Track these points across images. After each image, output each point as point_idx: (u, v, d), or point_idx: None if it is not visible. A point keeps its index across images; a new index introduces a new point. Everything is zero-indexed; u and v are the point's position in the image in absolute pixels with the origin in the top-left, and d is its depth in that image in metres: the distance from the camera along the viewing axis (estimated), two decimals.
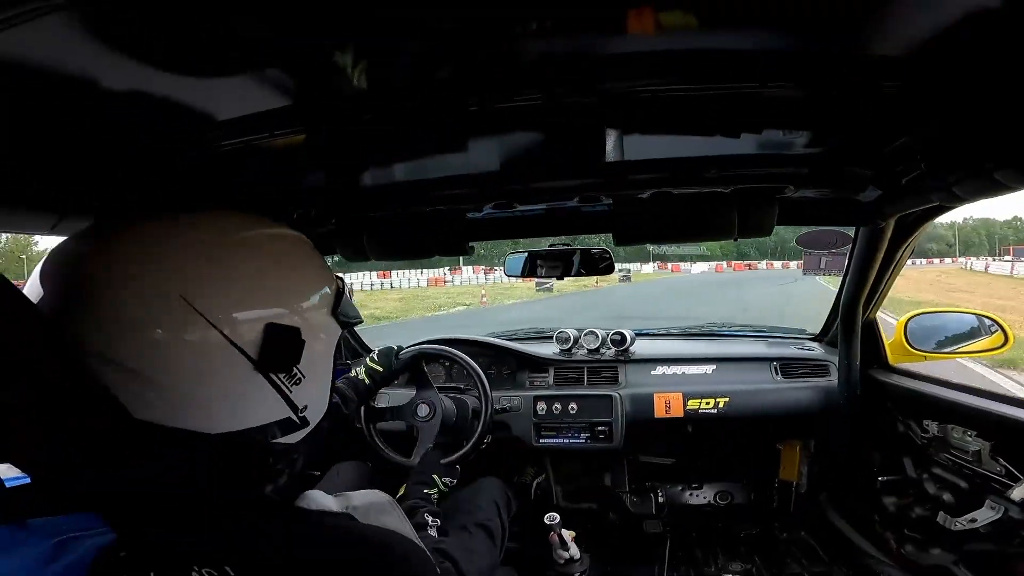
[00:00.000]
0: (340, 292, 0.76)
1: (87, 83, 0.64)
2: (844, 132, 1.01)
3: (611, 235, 1.38)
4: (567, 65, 0.72)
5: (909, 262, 1.76)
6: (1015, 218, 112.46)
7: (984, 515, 1.29)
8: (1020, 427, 1.22)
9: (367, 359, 1.67)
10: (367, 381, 1.62)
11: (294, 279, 0.69)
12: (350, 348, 2.41)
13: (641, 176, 1.21)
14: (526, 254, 1.80)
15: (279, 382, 0.65)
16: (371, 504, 0.72)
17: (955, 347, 1.78)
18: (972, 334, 1.79)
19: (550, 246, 1.77)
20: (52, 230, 0.96)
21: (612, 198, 1.35)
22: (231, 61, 0.66)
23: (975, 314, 1.82)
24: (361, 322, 0.85)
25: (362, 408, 1.79)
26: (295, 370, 0.66)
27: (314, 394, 0.71)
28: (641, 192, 1.28)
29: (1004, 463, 1.26)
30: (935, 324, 1.80)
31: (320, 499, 0.69)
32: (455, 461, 1.69)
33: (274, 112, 0.80)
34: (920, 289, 21.19)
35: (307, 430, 0.71)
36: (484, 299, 20.94)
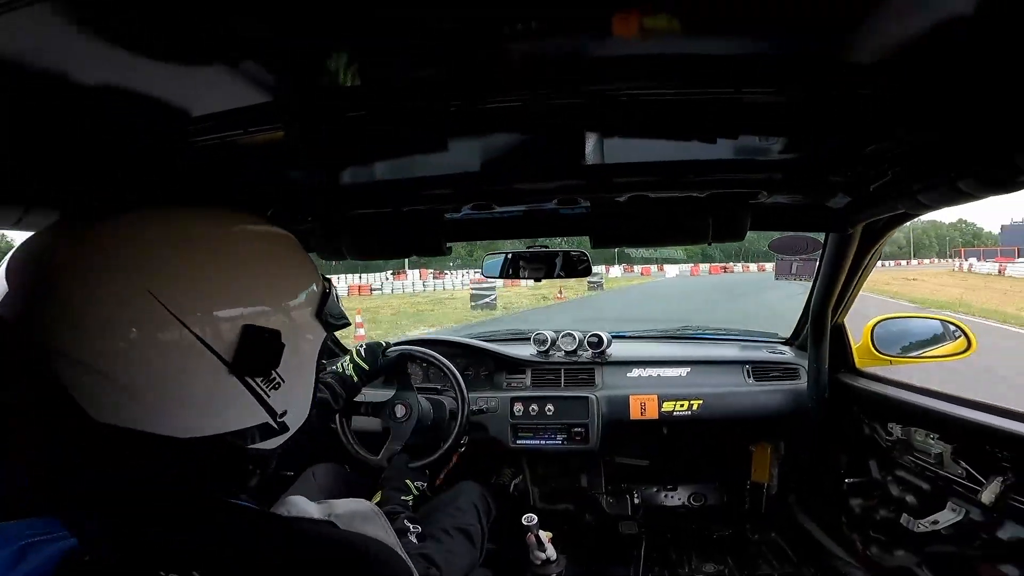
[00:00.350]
0: (326, 293, 0.74)
1: (58, 74, 0.62)
2: (816, 139, 1.03)
3: (588, 238, 1.40)
4: (550, 66, 0.72)
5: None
6: (960, 220, 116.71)
7: (946, 517, 1.33)
8: (981, 430, 1.25)
9: (353, 353, 1.65)
10: (355, 378, 1.59)
11: (275, 278, 0.67)
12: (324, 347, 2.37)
13: (619, 179, 1.22)
14: (505, 255, 1.80)
15: (256, 386, 0.63)
16: (354, 512, 0.71)
17: (920, 352, 1.83)
18: (937, 340, 1.84)
19: (528, 248, 1.77)
20: (17, 224, 0.93)
21: (590, 201, 1.36)
22: (206, 54, 0.64)
23: (940, 320, 1.87)
24: (348, 324, 0.83)
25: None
26: (274, 374, 0.64)
27: (295, 399, 0.69)
28: (619, 195, 1.29)
29: (965, 466, 1.29)
30: (901, 329, 1.85)
31: (302, 505, 0.68)
32: (430, 463, 1.69)
33: (252, 108, 0.78)
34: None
35: (286, 436, 0.69)
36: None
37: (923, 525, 1.38)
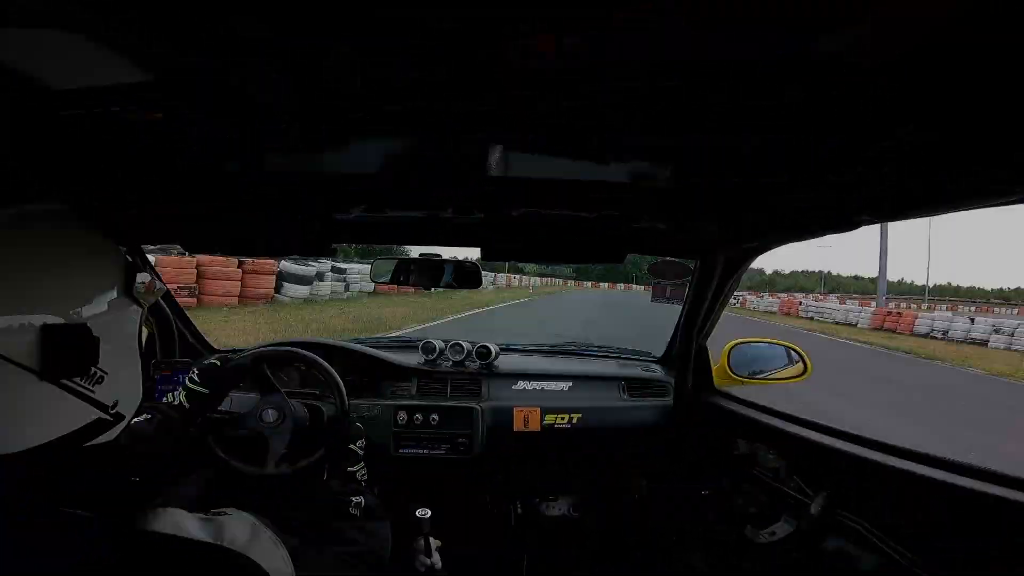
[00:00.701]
0: (134, 266, 0.70)
1: None
2: (691, 168, 1.08)
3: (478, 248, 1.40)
4: (454, 72, 0.71)
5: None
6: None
7: (782, 528, 1.45)
8: (811, 447, 1.38)
9: (186, 379, 1.44)
10: (186, 405, 1.39)
11: (65, 271, 0.62)
12: (186, 344, 2.16)
13: (516, 193, 1.24)
14: (397, 260, 1.76)
15: (76, 386, 0.59)
16: (236, 532, 0.67)
17: (766, 374, 2.05)
18: (780, 363, 2.08)
19: (420, 255, 1.74)
20: None
21: (484, 212, 1.37)
22: (81, 21, 0.56)
23: (784, 346, 2.11)
24: (164, 291, 0.80)
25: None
26: (93, 369, 0.60)
27: (123, 387, 0.65)
28: (514, 209, 1.31)
29: (798, 480, 1.43)
30: (752, 353, 2.07)
31: (179, 520, 0.64)
32: (310, 464, 1.58)
33: (127, 87, 0.70)
34: None
35: (123, 424, 0.66)
36: None
37: (763, 536, 1.50)
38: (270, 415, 1.63)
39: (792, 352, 2.07)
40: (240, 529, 0.68)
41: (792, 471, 1.46)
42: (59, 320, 0.58)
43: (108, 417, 0.63)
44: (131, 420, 0.70)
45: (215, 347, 2.31)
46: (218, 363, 1.53)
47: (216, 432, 1.64)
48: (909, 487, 1.12)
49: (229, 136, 0.94)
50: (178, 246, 1.41)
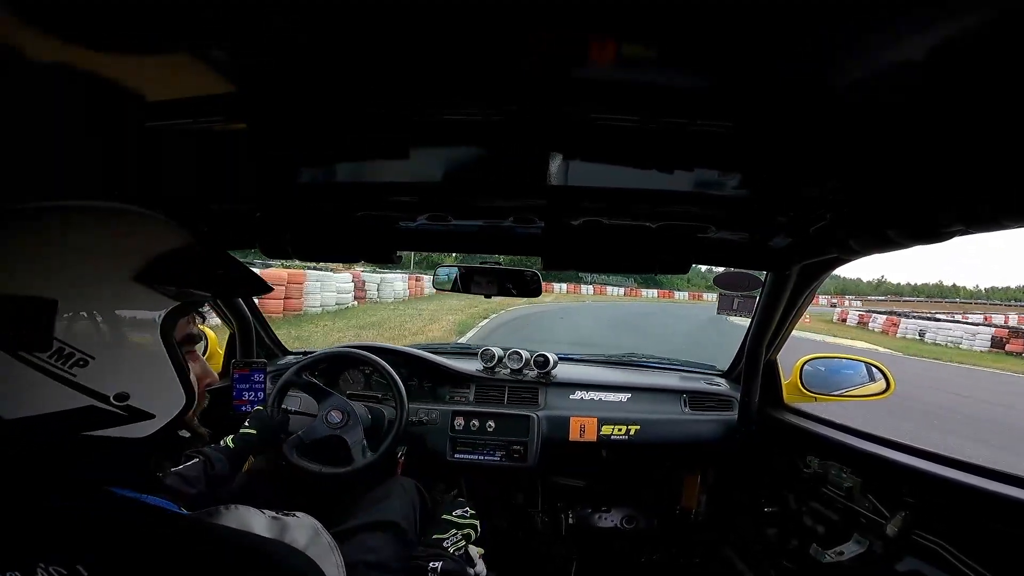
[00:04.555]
0: (169, 259, 0.66)
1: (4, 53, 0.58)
2: (766, 177, 1.07)
3: (539, 258, 1.41)
4: (522, 83, 0.72)
5: None
6: None
7: (851, 549, 1.39)
8: (889, 466, 1.32)
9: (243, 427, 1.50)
10: (231, 446, 1.42)
11: (53, 249, 0.61)
12: (264, 345, 2.29)
13: (578, 203, 1.24)
14: (458, 268, 1.79)
15: (44, 363, 0.57)
16: (298, 532, 0.69)
17: (843, 391, 1.93)
18: (859, 380, 1.95)
19: (481, 263, 1.77)
20: None
21: (544, 222, 1.37)
22: (170, 38, 0.61)
23: (864, 362, 1.98)
24: (212, 298, 0.79)
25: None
26: (69, 349, 0.58)
27: (135, 380, 0.63)
28: (575, 219, 1.31)
29: (872, 499, 1.36)
30: (828, 368, 1.95)
31: (249, 518, 0.65)
32: (388, 450, 1.68)
33: (212, 98, 0.76)
34: None
35: (153, 422, 0.65)
36: None
37: (830, 556, 1.44)
38: (335, 417, 1.71)
39: (873, 368, 1.94)
40: (301, 531, 0.69)
41: (867, 490, 1.39)
42: (22, 291, 0.57)
43: (112, 408, 0.61)
44: (179, 427, 0.69)
45: (288, 349, 2.44)
46: (266, 411, 1.61)
47: (291, 449, 1.72)
48: (993, 508, 1.07)
49: (305, 145, 0.99)
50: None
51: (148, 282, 0.64)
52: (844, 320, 29.93)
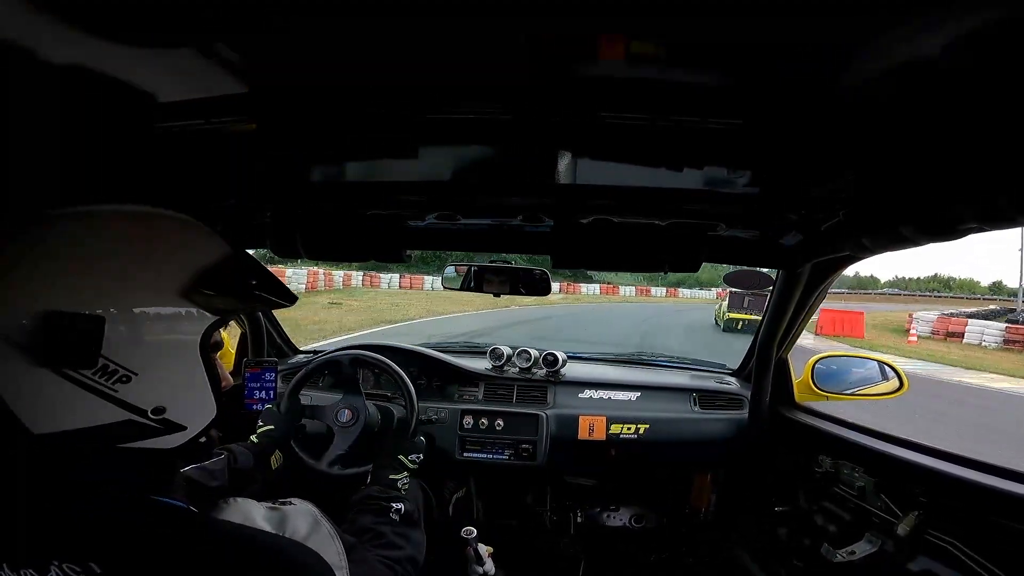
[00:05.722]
0: (212, 272, 0.66)
1: (17, 52, 0.59)
2: (777, 174, 1.06)
3: (548, 257, 1.41)
4: (533, 83, 0.72)
5: None
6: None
7: (862, 548, 1.38)
8: (903, 466, 1.31)
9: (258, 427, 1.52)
10: (255, 440, 1.45)
11: (99, 260, 0.60)
12: (274, 344, 2.31)
13: (587, 201, 1.24)
14: (469, 267, 1.79)
15: (87, 380, 0.57)
16: (298, 523, 0.70)
17: (855, 389, 1.90)
18: (872, 379, 1.93)
19: (490, 262, 1.77)
20: None
21: (554, 220, 1.37)
22: (178, 36, 0.62)
23: (877, 360, 1.96)
24: (246, 311, 0.80)
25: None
26: (114, 366, 0.58)
27: (172, 394, 0.63)
28: (584, 217, 1.31)
29: (885, 499, 1.35)
30: (840, 367, 1.93)
31: (248, 510, 0.66)
32: (353, 476, 1.65)
33: (223, 99, 0.76)
34: None
35: (185, 433, 0.65)
36: None
37: (841, 555, 1.43)
38: (345, 415, 1.72)
39: (886, 367, 1.92)
40: (302, 521, 0.70)
41: (880, 489, 1.38)
42: (71, 307, 0.56)
43: (149, 422, 0.61)
44: (203, 435, 0.69)
45: (298, 348, 2.45)
46: (273, 408, 1.62)
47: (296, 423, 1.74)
48: (1007, 507, 1.06)
49: (313, 144, 0.99)
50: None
51: (194, 298, 0.64)
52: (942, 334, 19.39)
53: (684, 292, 44.32)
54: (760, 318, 1.94)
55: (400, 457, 1.34)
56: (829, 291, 1.66)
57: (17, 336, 0.54)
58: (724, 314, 16.47)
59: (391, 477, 1.27)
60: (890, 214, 0.96)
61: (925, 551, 1.23)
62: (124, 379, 0.59)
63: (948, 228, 0.88)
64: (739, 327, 15.30)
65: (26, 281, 0.56)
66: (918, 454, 1.31)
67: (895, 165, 0.88)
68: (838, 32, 0.55)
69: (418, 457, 1.39)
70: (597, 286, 38.52)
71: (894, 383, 1.87)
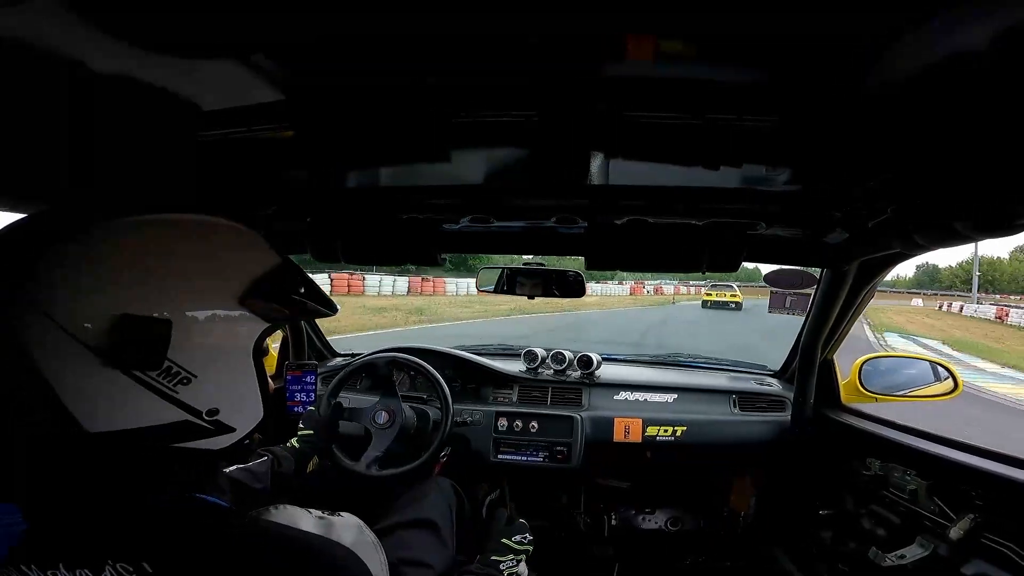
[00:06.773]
0: (266, 281, 0.68)
1: (66, 64, 0.62)
2: (819, 171, 1.03)
3: (583, 258, 1.40)
4: (560, 83, 0.72)
5: None
6: None
7: (913, 552, 1.33)
8: (958, 468, 1.26)
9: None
10: (296, 446, 1.47)
11: (167, 265, 0.62)
12: (314, 347, 2.37)
13: (621, 202, 1.22)
14: (502, 270, 1.80)
15: (152, 380, 0.59)
16: (344, 529, 0.70)
17: (906, 391, 1.83)
18: (924, 380, 1.85)
19: (524, 264, 1.77)
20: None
21: (588, 222, 1.36)
22: (222, 49, 0.64)
23: (929, 361, 1.87)
24: (293, 319, 0.81)
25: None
26: (177, 368, 0.60)
27: (226, 396, 0.66)
28: (618, 218, 1.29)
29: (939, 502, 1.30)
30: (889, 368, 1.85)
31: (297, 517, 0.67)
32: (408, 471, 1.67)
33: (261, 107, 0.79)
34: None
35: (233, 435, 0.67)
36: None
37: (890, 559, 1.38)
38: (382, 417, 1.75)
39: (939, 368, 1.83)
40: (347, 530, 0.71)
41: (933, 492, 1.33)
42: (141, 311, 0.58)
43: (203, 423, 0.63)
44: (247, 438, 0.71)
45: (337, 351, 2.50)
46: (311, 410, 1.65)
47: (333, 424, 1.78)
48: None
49: (348, 150, 1.01)
50: None
51: (251, 304, 0.67)
52: None
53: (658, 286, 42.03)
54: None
55: (504, 541, 1.35)
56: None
57: (87, 337, 0.56)
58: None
59: (493, 558, 1.29)
60: (944, 210, 0.92)
61: (980, 555, 1.17)
62: (185, 381, 0.61)
63: (1005, 222, 0.83)
64: (708, 306, 23.87)
65: (102, 284, 0.58)
66: (974, 456, 1.26)
67: (948, 158, 0.84)
68: (872, 26, 0.53)
69: (524, 538, 1.39)
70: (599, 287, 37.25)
71: (948, 384, 1.79)
